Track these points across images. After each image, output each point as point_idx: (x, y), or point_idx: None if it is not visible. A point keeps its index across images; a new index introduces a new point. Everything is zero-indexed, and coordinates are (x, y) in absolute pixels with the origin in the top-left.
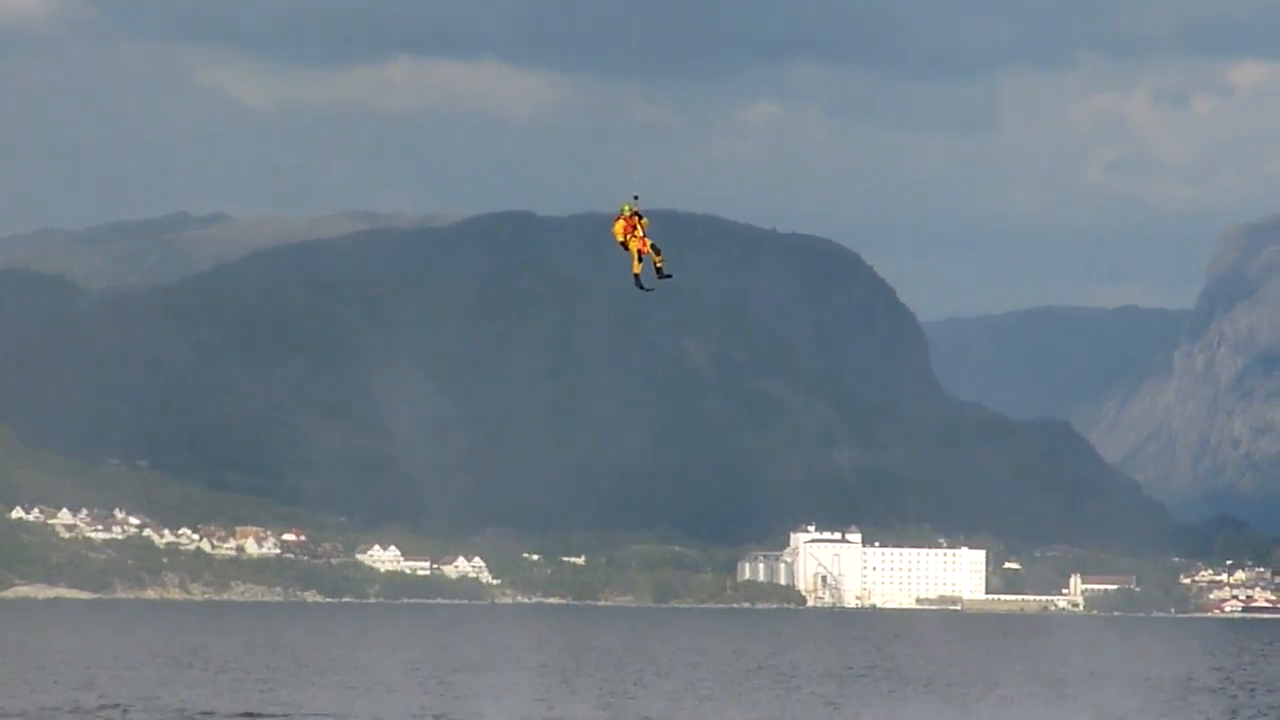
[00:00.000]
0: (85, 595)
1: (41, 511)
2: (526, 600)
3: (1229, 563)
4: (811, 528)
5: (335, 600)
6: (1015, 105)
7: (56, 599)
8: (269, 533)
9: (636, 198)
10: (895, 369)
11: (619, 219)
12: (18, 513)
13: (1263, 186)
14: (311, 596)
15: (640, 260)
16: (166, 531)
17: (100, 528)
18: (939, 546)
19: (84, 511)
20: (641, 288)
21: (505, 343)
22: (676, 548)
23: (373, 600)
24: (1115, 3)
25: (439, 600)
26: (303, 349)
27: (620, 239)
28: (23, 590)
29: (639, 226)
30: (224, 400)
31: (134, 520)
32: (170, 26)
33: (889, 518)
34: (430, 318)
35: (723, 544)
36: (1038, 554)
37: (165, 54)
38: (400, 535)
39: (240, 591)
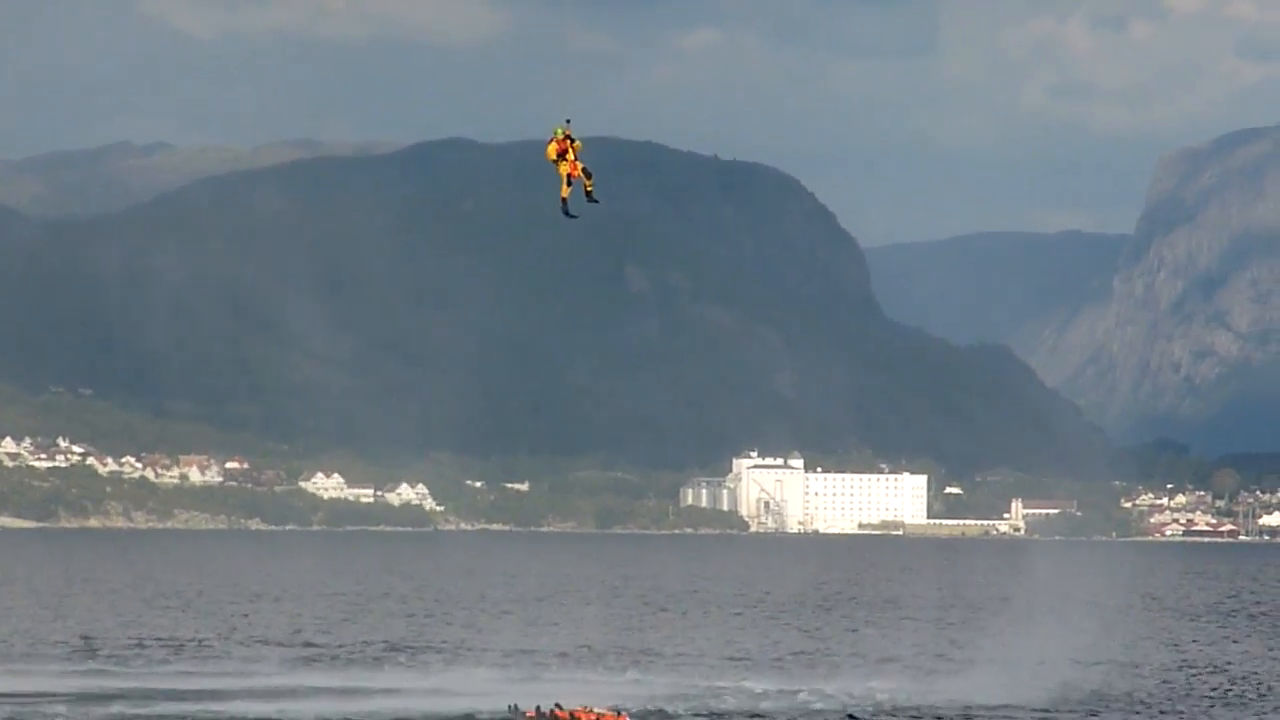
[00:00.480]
0: (29, 524)
1: None
2: (470, 527)
3: (1169, 487)
4: (754, 454)
5: (279, 528)
6: (954, 29)
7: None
8: (212, 460)
9: (569, 121)
10: (836, 295)
11: (552, 142)
12: None
13: (1201, 111)
14: (255, 524)
15: (569, 184)
16: (110, 460)
17: (43, 456)
18: (881, 472)
19: (27, 440)
20: (568, 214)
21: (447, 269)
22: (619, 474)
23: (316, 528)
24: None
25: (382, 527)
26: (245, 277)
27: (553, 159)
28: None
29: (571, 150)
30: (166, 328)
31: (77, 449)
32: None
33: (831, 443)
34: (371, 245)
35: (666, 470)
36: (979, 479)
37: None
38: (343, 462)
39: (184, 520)
